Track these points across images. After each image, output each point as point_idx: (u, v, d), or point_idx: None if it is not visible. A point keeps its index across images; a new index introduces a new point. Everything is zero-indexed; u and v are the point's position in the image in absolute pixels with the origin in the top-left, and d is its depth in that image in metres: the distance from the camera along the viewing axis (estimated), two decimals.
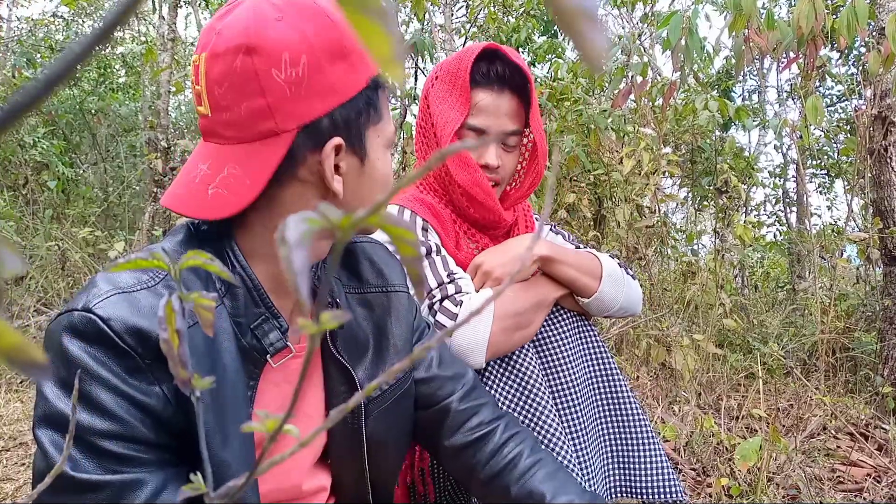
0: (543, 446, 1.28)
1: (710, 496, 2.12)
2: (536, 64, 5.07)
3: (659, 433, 2.50)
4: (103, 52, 5.79)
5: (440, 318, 1.29)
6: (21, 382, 2.75)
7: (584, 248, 1.58)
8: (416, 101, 4.74)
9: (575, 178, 3.94)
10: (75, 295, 0.79)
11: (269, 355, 0.86)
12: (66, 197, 4.73)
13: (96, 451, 0.71)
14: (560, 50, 4.95)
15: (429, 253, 1.37)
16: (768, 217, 5.53)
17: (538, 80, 4.44)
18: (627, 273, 1.52)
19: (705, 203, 4.10)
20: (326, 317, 0.31)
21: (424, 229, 1.41)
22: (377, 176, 0.90)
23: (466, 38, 4.89)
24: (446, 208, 1.47)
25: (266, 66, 0.77)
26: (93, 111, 4.95)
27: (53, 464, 0.70)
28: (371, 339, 1.03)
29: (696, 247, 4.32)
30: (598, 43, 0.18)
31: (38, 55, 5.07)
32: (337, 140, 0.82)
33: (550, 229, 1.64)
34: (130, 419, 0.73)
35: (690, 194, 4.56)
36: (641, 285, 3.52)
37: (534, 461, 1.09)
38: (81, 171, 5.00)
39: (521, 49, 5.06)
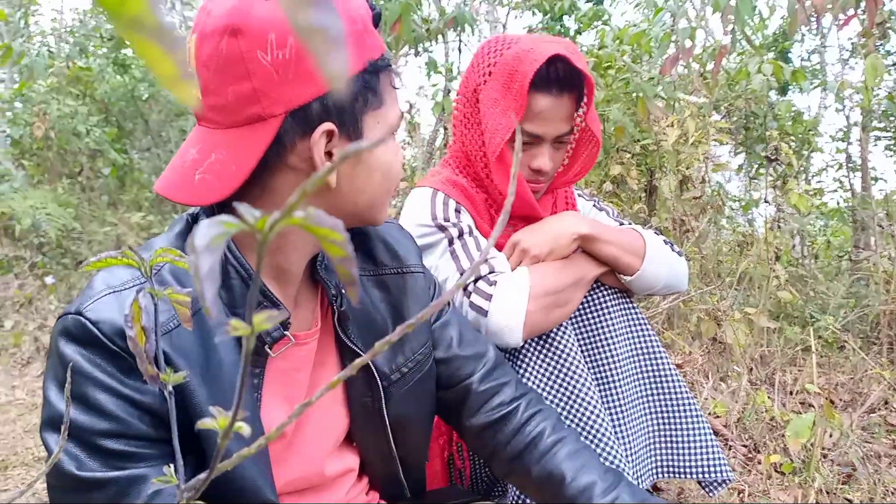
0: (582, 426, 1.26)
1: (761, 473, 2.06)
2: (582, 32, 4.95)
3: (709, 409, 2.44)
4: None
5: (474, 298, 1.28)
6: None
7: (629, 224, 1.54)
8: (459, 76, 4.69)
9: (624, 149, 3.85)
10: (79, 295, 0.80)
11: (267, 345, 0.85)
12: (121, 183, 4.86)
13: (100, 451, 0.73)
14: (606, 17, 4.82)
15: (461, 234, 1.35)
16: (832, 183, 5.31)
17: (583, 48, 4.34)
18: (673, 250, 1.48)
19: (760, 171, 3.95)
20: (260, 318, 0.31)
21: (457, 211, 1.39)
22: (377, 164, 0.86)
23: (509, 10, 4.81)
24: (480, 193, 1.44)
25: (251, 47, 0.74)
26: (144, 98, 5.06)
27: (59, 465, 0.72)
28: (389, 322, 1.01)
29: (752, 216, 4.18)
30: (337, 63, 0.16)
31: (91, 44, 5.20)
32: (327, 125, 0.78)
33: (593, 205, 1.60)
34: (129, 418, 0.74)
35: (746, 162, 4.41)
36: (691, 258, 3.43)
37: (556, 440, 1.06)
38: (135, 157, 5.14)
39: (565, 17, 4.95)
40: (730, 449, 2.26)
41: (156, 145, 5.15)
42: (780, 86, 4.40)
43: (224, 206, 0.82)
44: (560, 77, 1.29)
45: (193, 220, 0.88)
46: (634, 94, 3.65)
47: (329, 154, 0.81)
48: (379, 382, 1.00)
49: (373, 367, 0.98)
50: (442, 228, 1.36)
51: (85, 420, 0.72)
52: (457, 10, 4.00)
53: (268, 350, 0.85)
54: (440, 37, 4.15)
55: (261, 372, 0.85)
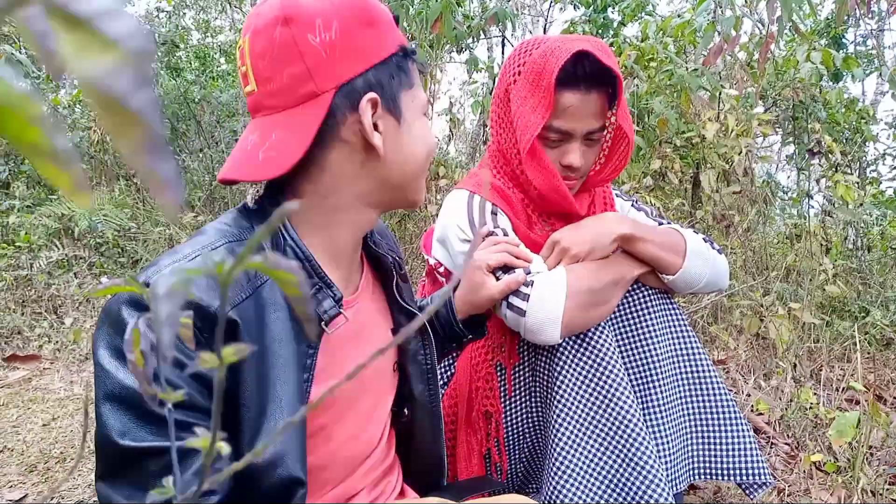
0: (616, 426, 1.28)
1: (803, 472, 2.03)
2: (626, 23, 4.88)
3: (752, 406, 2.41)
4: (204, 42, 6.06)
5: (512, 299, 1.30)
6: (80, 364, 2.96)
7: (668, 223, 1.54)
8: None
9: (668, 141, 3.79)
10: (140, 271, 0.84)
11: (324, 323, 0.91)
12: None
13: (157, 419, 0.74)
14: (651, 7, 4.74)
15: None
16: (889, 171, 5.13)
17: (626, 40, 4.28)
18: (713, 247, 1.48)
19: (811, 162, 3.86)
20: (230, 351, 0.34)
21: (493, 213, 1.42)
22: (416, 136, 0.95)
23: (552, 4, 4.78)
24: (517, 192, 1.46)
25: (302, 32, 0.83)
26: (196, 100, 5.20)
27: (111, 436, 0.73)
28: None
29: (802, 208, 4.07)
30: (170, 199, 0.19)
31: None
32: (372, 95, 0.87)
33: (632, 205, 1.60)
34: (193, 390, 0.77)
35: (796, 152, 4.30)
36: (734, 252, 3.37)
37: None
38: (187, 159, 5.28)
39: (609, 8, 4.89)
40: (772, 447, 2.23)
41: (208, 146, 5.29)
42: (833, 73, 4.27)
43: (278, 192, 0.91)
44: (587, 73, 1.31)
45: (245, 209, 0.94)
46: (678, 87, 3.60)
47: (375, 126, 0.89)
48: (431, 337, 1.13)
49: (427, 324, 1.12)
50: None
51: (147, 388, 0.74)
52: (498, 7, 4.00)
53: (324, 327, 0.92)
54: (482, 33, 4.16)
55: (314, 352, 0.90)
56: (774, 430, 2.31)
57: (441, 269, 1.53)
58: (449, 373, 1.60)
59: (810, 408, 2.33)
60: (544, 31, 5.59)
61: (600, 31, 4.90)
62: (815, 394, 2.43)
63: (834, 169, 3.71)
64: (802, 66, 3.70)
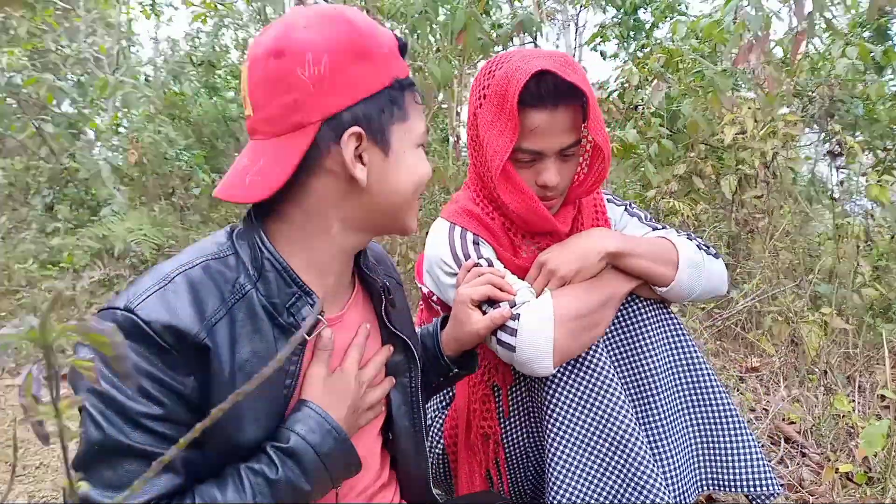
0: (616, 446, 1.26)
1: (829, 483, 1.96)
2: (657, 25, 4.80)
3: (783, 415, 2.35)
4: (241, 60, 6.19)
5: (500, 335, 1.28)
6: None
7: (662, 227, 1.50)
8: None
9: (703, 142, 3.71)
10: (122, 291, 0.89)
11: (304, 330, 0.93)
12: (214, 201, 5.14)
13: (147, 430, 0.81)
14: (684, 6, 4.66)
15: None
16: None
17: (657, 42, 4.22)
18: (709, 252, 1.43)
19: (850, 160, 3.72)
20: (66, 403, 0.36)
21: (476, 243, 1.39)
22: (405, 168, 0.97)
23: (581, 8, 4.74)
24: (498, 217, 1.43)
25: (292, 65, 0.87)
26: (234, 118, 5.32)
27: (98, 427, 0.79)
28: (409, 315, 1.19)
29: (843, 207, 3.94)
30: None
31: (184, 70, 5.51)
32: (355, 129, 0.89)
33: (625, 210, 1.56)
34: (173, 404, 0.82)
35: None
36: (771, 254, 3.28)
37: None
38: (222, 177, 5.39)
39: (639, 10, 4.82)
40: (803, 456, 2.17)
41: None
42: (877, 66, 4.12)
43: (265, 213, 0.95)
44: (552, 91, 1.26)
45: (231, 230, 0.98)
46: (709, 88, 3.52)
47: (361, 158, 0.92)
48: (417, 361, 1.15)
49: (414, 351, 1.13)
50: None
51: (132, 405, 0.80)
52: (524, 15, 3.99)
53: (305, 336, 0.95)
54: (511, 41, 4.15)
55: (297, 360, 0.94)
56: (806, 440, 2.25)
57: (434, 299, 1.51)
58: (450, 394, 1.59)
59: (843, 416, 2.25)
60: (575, 37, 5.54)
61: (632, 32, 4.83)
62: (851, 401, 2.35)
63: (882, 165, 3.57)
64: (838, 62, 3.59)
